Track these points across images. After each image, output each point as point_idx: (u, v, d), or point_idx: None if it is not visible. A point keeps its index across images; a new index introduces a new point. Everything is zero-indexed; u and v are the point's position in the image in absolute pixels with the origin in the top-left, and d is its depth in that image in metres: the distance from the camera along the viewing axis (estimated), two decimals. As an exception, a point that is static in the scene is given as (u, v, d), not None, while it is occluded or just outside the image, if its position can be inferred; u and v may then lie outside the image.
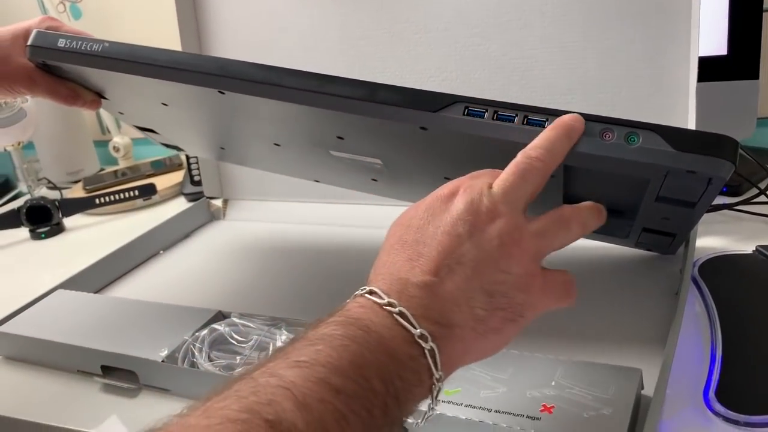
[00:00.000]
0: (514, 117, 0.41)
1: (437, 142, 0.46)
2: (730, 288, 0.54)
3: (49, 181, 1.10)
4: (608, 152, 0.40)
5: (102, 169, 1.20)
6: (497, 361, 0.44)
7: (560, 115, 0.41)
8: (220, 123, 0.59)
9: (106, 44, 0.49)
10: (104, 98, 0.61)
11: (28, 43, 0.53)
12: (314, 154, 0.58)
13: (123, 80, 0.52)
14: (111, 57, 0.49)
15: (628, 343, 0.50)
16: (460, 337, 0.33)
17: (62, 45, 0.51)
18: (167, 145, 0.76)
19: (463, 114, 0.42)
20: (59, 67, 0.55)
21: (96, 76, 0.54)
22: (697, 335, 0.50)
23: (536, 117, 0.41)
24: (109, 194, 0.95)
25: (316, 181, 0.72)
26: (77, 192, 1.06)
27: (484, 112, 0.42)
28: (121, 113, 0.67)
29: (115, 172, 1.10)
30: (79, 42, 0.50)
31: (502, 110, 0.42)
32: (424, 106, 0.43)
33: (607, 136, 0.40)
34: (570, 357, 0.44)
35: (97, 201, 0.94)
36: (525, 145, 0.41)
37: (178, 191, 1.01)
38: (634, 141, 0.40)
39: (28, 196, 1.02)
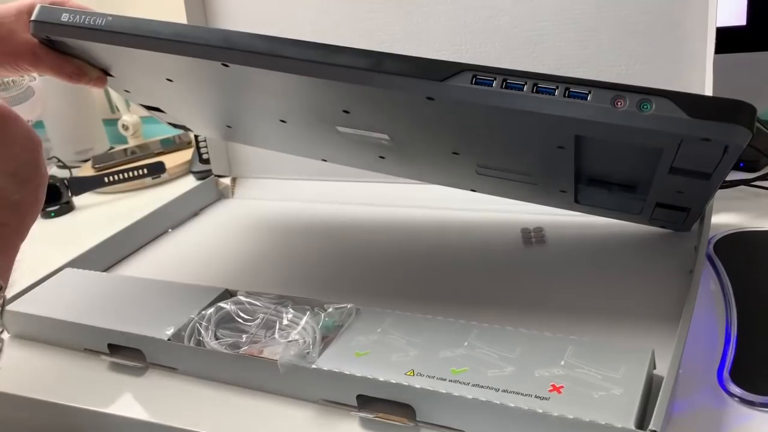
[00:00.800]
0: (524, 85, 0.40)
1: (445, 113, 0.45)
2: (745, 266, 0.53)
3: (59, 160, 1.10)
4: (620, 120, 0.39)
5: (111, 148, 1.19)
6: (505, 340, 0.44)
7: (569, 83, 0.39)
8: (225, 99, 0.58)
9: (110, 18, 0.49)
10: (110, 75, 0.60)
11: (32, 18, 0.52)
12: (321, 130, 0.57)
13: (127, 55, 0.51)
14: (114, 31, 0.48)
15: (640, 322, 0.49)
16: None
17: (65, 19, 0.50)
18: (174, 125, 0.75)
19: (471, 83, 0.41)
20: (63, 43, 0.54)
21: (100, 51, 0.54)
22: (711, 314, 0.49)
23: (546, 85, 0.40)
24: (118, 173, 0.95)
25: (324, 160, 0.71)
26: (87, 171, 1.06)
27: (493, 81, 0.40)
28: (127, 91, 0.66)
29: (125, 150, 1.10)
30: (83, 16, 0.49)
31: (511, 78, 0.40)
32: (431, 75, 0.41)
33: (619, 103, 0.39)
34: (580, 336, 0.43)
35: (106, 180, 0.94)
36: (536, 114, 0.40)
37: (187, 169, 1.00)
38: (646, 108, 0.38)
39: (38, 175, 1.02)
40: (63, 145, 1.15)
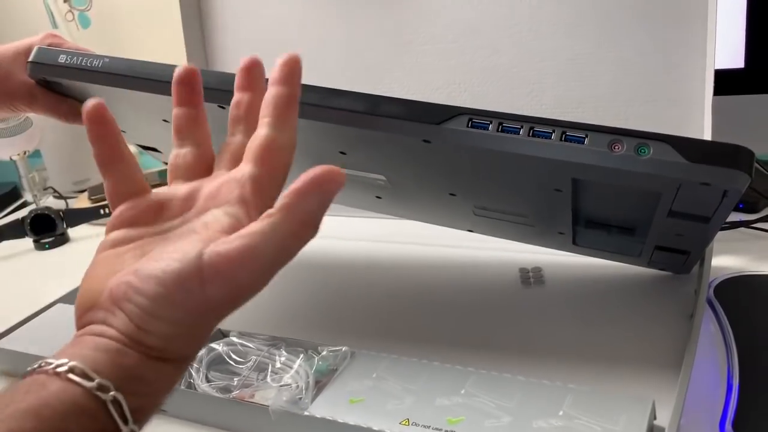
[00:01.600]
0: (520, 129, 0.40)
1: (441, 155, 0.44)
2: (747, 311, 0.52)
3: (55, 191, 1.10)
4: (617, 164, 0.39)
5: (109, 178, 1.19)
6: (503, 387, 0.43)
7: (566, 127, 0.39)
8: (221, 141, 0.57)
9: (106, 59, 0.49)
10: None
11: (29, 59, 0.52)
12: None
13: (123, 96, 0.52)
14: (111, 72, 0.49)
15: (640, 369, 0.48)
16: None
17: (63, 61, 0.50)
18: None
19: (467, 126, 0.41)
20: (60, 84, 0.54)
21: (97, 92, 0.54)
22: (713, 361, 0.48)
23: (542, 129, 0.40)
24: (114, 204, 0.94)
25: None
26: (83, 202, 1.05)
27: (489, 124, 0.40)
28: (123, 131, 0.66)
29: (122, 181, 1.09)
30: (80, 58, 0.50)
31: (507, 122, 0.40)
32: (427, 118, 0.41)
33: (617, 147, 0.39)
34: (579, 383, 0.42)
35: (101, 212, 0.94)
36: (531, 157, 0.40)
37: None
38: (644, 152, 0.38)
39: (33, 206, 1.02)
40: (60, 175, 1.14)
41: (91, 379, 0.27)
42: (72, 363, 0.27)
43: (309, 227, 0.31)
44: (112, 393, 0.27)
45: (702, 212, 0.44)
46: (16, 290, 0.79)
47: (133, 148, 0.85)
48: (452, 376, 0.45)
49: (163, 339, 0.29)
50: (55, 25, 1.19)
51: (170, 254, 0.30)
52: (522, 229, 0.57)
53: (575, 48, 0.62)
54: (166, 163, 0.73)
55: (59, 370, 0.27)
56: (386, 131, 0.43)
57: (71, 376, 0.27)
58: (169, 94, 0.47)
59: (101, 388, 0.27)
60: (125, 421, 0.28)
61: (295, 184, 0.31)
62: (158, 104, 0.51)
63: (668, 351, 0.49)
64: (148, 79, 0.47)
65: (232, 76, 0.46)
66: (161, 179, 1.07)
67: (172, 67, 0.47)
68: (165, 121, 0.55)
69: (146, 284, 0.29)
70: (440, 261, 0.69)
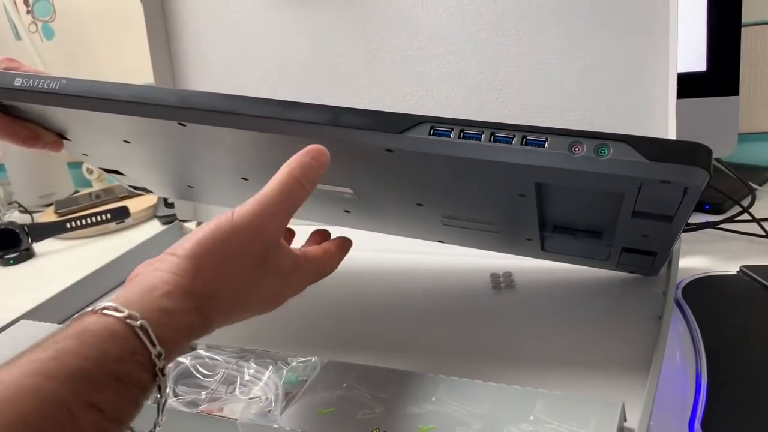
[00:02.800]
0: (481, 135, 0.40)
1: (405, 165, 0.44)
2: (714, 311, 0.53)
3: (20, 205, 1.08)
4: (578, 166, 0.39)
5: (76, 192, 1.17)
6: (474, 394, 0.43)
7: (526, 131, 0.39)
8: (184, 159, 0.57)
9: (63, 81, 0.48)
10: (66, 139, 0.59)
11: None
12: None
13: (83, 118, 0.51)
14: (68, 94, 0.48)
15: (610, 371, 0.48)
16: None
17: (18, 84, 0.49)
18: (135, 188, 0.74)
19: (429, 134, 0.41)
20: (17, 108, 0.53)
21: (56, 115, 0.53)
22: (681, 361, 0.48)
23: (503, 134, 0.40)
24: (80, 218, 0.93)
25: None
26: (49, 216, 1.03)
27: (450, 131, 0.40)
28: (85, 155, 0.65)
29: (89, 194, 1.08)
30: (36, 80, 0.49)
31: (469, 128, 0.40)
32: (389, 127, 0.41)
33: (577, 149, 0.39)
34: (550, 387, 0.42)
35: (68, 225, 0.92)
36: (494, 162, 0.40)
37: (152, 214, 0.99)
38: (604, 153, 0.39)
39: (-3, 221, 1.00)
40: (26, 190, 1.13)
41: (121, 312, 0.33)
42: (106, 303, 0.34)
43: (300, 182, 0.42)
44: (139, 321, 0.33)
45: (664, 211, 0.44)
46: (-21, 307, 0.77)
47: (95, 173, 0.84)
48: (423, 383, 0.44)
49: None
50: (18, 36, 1.17)
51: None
52: (491, 237, 0.57)
53: (540, 54, 0.62)
54: (131, 186, 0.73)
55: (96, 308, 0.34)
56: (348, 142, 0.42)
57: (105, 311, 0.33)
58: (130, 113, 0.47)
59: (130, 317, 0.33)
60: (153, 344, 0.33)
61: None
62: (119, 124, 0.50)
63: (637, 353, 0.49)
64: (106, 99, 0.47)
65: (191, 93, 0.46)
66: (128, 191, 1.05)
67: (132, 86, 0.47)
68: (126, 142, 0.55)
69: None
70: (411, 268, 0.69)
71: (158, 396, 0.36)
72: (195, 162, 0.57)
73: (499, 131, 0.40)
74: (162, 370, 0.34)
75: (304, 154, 0.42)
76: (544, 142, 0.39)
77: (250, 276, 0.40)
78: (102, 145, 0.59)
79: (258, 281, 0.41)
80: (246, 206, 0.40)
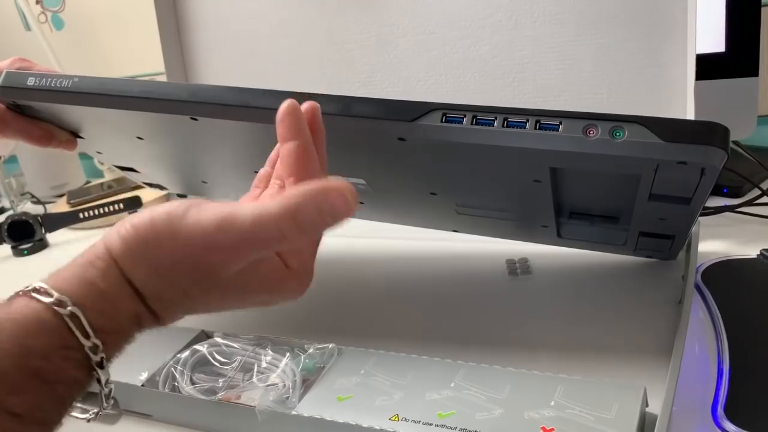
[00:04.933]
0: (494, 120, 0.39)
1: (418, 153, 0.44)
2: (734, 295, 0.52)
3: (33, 196, 1.08)
4: (593, 149, 0.38)
5: (88, 182, 1.17)
6: (493, 379, 0.42)
7: (540, 115, 0.39)
8: (197, 154, 0.57)
9: (76, 79, 0.48)
10: (80, 137, 0.59)
11: None
12: None
13: (96, 115, 0.51)
14: (81, 92, 0.48)
15: (630, 357, 0.48)
16: None
17: (32, 83, 0.50)
18: (150, 184, 0.74)
19: (442, 121, 0.40)
20: (31, 107, 0.53)
21: (69, 113, 0.53)
22: (702, 346, 0.48)
23: (516, 119, 0.39)
24: (93, 208, 0.93)
25: None
26: (61, 206, 1.03)
27: (463, 118, 0.40)
28: (99, 152, 0.65)
29: (101, 184, 1.08)
30: (49, 79, 0.49)
31: (481, 114, 0.40)
32: (401, 116, 0.41)
33: (591, 132, 0.38)
34: (570, 373, 0.42)
35: (81, 215, 0.92)
36: (508, 148, 0.39)
37: (164, 202, 0.98)
38: (619, 135, 0.38)
39: (11, 212, 1.00)
40: (38, 181, 1.13)
41: (50, 296, 0.29)
42: (38, 283, 0.30)
43: (295, 229, 0.30)
44: (69, 308, 0.29)
45: (682, 193, 0.43)
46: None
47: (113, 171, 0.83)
48: (441, 369, 0.44)
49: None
50: (27, 27, 1.17)
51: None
52: (506, 225, 0.57)
53: (555, 36, 0.62)
54: (145, 183, 0.73)
55: (26, 288, 0.29)
56: (361, 131, 0.42)
57: (34, 294, 0.29)
58: (141, 109, 0.47)
59: (59, 303, 0.29)
60: (87, 336, 0.29)
61: (310, 184, 0.30)
62: (131, 121, 0.50)
63: (658, 338, 0.49)
64: (117, 96, 0.47)
65: (202, 87, 0.46)
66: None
67: (143, 82, 0.47)
68: (139, 138, 0.54)
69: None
70: (426, 255, 0.68)
71: (100, 388, 0.31)
72: (208, 157, 0.57)
73: (512, 116, 0.39)
74: (100, 363, 0.30)
75: (331, 194, 0.30)
76: (558, 125, 0.39)
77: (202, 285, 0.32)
78: (115, 142, 0.59)
79: (213, 289, 0.33)
80: (211, 211, 0.31)
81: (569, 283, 0.59)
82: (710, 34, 0.65)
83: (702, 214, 0.67)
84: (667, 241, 0.54)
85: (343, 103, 0.42)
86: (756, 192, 0.68)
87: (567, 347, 0.50)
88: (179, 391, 0.47)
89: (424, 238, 0.69)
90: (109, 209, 0.93)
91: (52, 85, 0.48)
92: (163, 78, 0.80)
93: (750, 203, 0.67)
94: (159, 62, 0.77)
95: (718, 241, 0.62)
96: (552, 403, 0.39)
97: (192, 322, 0.60)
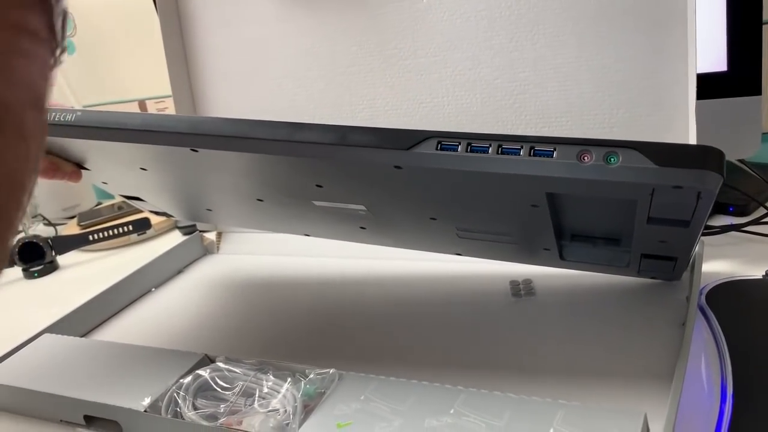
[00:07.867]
0: (489, 147, 0.40)
1: (415, 180, 0.44)
2: (739, 317, 0.52)
3: (44, 218, 1.09)
4: (588, 175, 0.38)
5: (99, 204, 1.18)
6: (493, 405, 0.42)
7: (534, 142, 0.39)
8: (200, 183, 0.57)
9: (79, 113, 0.49)
10: (85, 168, 0.60)
11: None
12: (298, 206, 0.56)
13: (99, 148, 0.52)
14: (84, 125, 0.49)
15: (632, 380, 0.47)
16: None
17: None
18: (156, 213, 0.75)
19: (437, 149, 0.40)
20: None
21: (73, 145, 0.54)
22: (706, 369, 0.47)
23: (511, 145, 0.39)
24: (103, 230, 0.94)
25: (306, 234, 0.70)
26: (72, 228, 1.05)
27: (458, 146, 0.40)
28: (105, 183, 0.66)
29: (112, 206, 1.09)
30: (52, 113, 0.50)
31: (476, 142, 0.40)
32: (396, 144, 0.41)
33: (585, 158, 0.38)
34: (571, 397, 0.42)
35: (90, 237, 0.93)
36: (503, 175, 0.40)
37: (172, 225, 0.99)
38: (613, 161, 0.38)
39: (22, 234, 1.01)
40: (50, 202, 1.14)
41: None
42: None
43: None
44: None
45: (680, 216, 0.43)
46: (5, 320, 0.78)
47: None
48: (441, 395, 0.44)
49: None
50: (40, 52, 1.19)
51: None
52: (508, 248, 0.57)
53: (556, 57, 0.62)
54: (152, 211, 0.73)
55: None
56: (357, 161, 0.42)
57: None
58: (143, 142, 0.48)
59: None
60: None
61: None
62: (134, 153, 0.51)
63: (660, 360, 0.48)
64: (119, 129, 0.47)
65: (201, 119, 0.46)
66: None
67: (144, 115, 0.48)
68: (143, 169, 0.55)
69: None
70: (429, 275, 0.69)
71: None
72: (211, 186, 0.58)
73: (506, 143, 0.39)
74: None
75: None
76: (552, 152, 0.39)
77: None
78: (120, 173, 0.60)
79: None
80: None
81: (573, 305, 0.59)
82: (712, 53, 0.65)
83: (707, 234, 0.66)
84: (670, 263, 0.53)
85: (339, 134, 0.42)
86: (762, 211, 0.68)
87: (568, 370, 0.49)
88: (181, 417, 0.47)
89: (426, 258, 0.69)
90: (118, 231, 0.94)
91: (56, 119, 0.49)
92: (171, 101, 0.81)
93: (756, 222, 0.66)
94: (167, 85, 0.78)
95: (723, 261, 0.62)
96: (551, 430, 0.39)
97: (198, 345, 0.61)
